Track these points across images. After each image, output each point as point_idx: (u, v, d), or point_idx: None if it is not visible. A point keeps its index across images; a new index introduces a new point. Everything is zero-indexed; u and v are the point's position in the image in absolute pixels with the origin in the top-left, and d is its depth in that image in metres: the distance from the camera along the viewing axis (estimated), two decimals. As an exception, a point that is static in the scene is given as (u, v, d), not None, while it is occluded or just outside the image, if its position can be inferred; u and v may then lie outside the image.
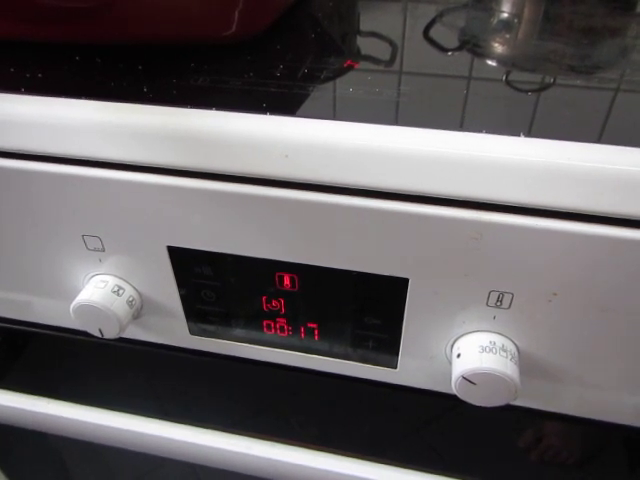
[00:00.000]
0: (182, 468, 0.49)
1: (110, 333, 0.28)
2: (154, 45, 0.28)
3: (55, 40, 0.28)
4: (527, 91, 0.25)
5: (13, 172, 0.25)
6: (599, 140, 0.21)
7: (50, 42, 0.28)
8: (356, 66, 0.28)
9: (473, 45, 0.30)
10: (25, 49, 0.29)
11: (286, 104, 0.24)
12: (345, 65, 0.28)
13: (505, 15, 0.34)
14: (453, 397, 0.25)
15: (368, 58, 0.29)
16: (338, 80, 0.26)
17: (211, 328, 0.30)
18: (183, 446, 0.36)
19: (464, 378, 0.24)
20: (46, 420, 0.37)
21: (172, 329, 0.31)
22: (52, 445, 0.52)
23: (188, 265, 0.27)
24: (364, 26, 0.34)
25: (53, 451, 0.54)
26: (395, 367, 0.28)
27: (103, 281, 0.28)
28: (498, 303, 0.24)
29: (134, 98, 0.24)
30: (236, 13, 0.27)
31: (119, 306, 0.28)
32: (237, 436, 0.35)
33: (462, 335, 0.25)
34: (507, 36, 0.32)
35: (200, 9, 0.27)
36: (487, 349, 0.24)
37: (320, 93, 0.25)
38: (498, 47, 0.30)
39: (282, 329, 0.29)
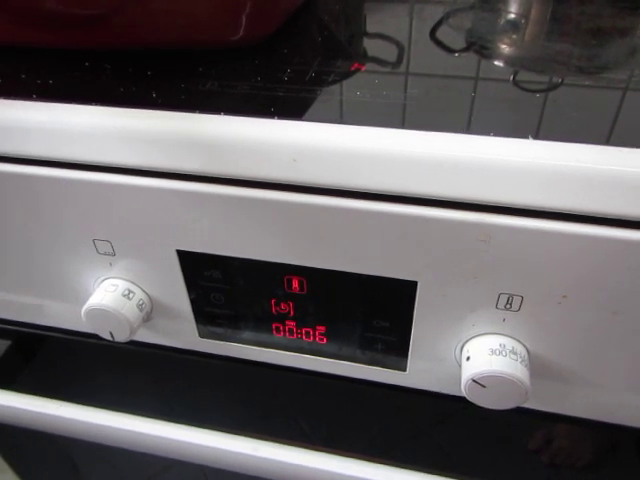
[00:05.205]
0: (191, 470, 0.49)
1: (121, 336, 0.29)
2: (162, 50, 0.28)
3: (65, 46, 0.28)
4: (535, 92, 0.25)
5: (26, 178, 0.25)
6: (608, 142, 0.21)
7: (60, 48, 0.28)
8: (363, 69, 0.28)
9: (480, 46, 0.30)
10: (35, 55, 0.29)
11: (294, 108, 0.24)
12: (352, 68, 0.28)
13: (512, 16, 0.34)
14: (463, 399, 0.25)
15: (375, 60, 0.29)
16: (345, 83, 0.26)
17: (220, 331, 0.30)
18: (192, 448, 0.36)
19: (474, 381, 0.24)
20: (57, 422, 0.38)
21: (182, 332, 0.31)
22: (63, 446, 0.53)
23: (197, 269, 0.27)
24: (370, 28, 0.34)
25: (64, 452, 0.54)
26: (404, 369, 0.28)
27: (113, 285, 0.28)
28: (508, 305, 0.24)
29: (143, 103, 0.24)
30: (243, 17, 0.27)
31: (129, 309, 0.28)
32: (246, 438, 0.35)
33: (471, 338, 0.25)
34: (514, 37, 0.32)
35: (207, 14, 0.27)
36: (497, 352, 0.24)
37: (327, 97, 0.25)
38: (505, 48, 0.30)
39: (291, 332, 0.29)
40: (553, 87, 0.26)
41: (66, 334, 0.34)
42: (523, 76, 0.27)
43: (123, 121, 0.23)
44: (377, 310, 0.26)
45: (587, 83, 0.26)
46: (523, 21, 0.34)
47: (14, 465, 0.58)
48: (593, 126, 0.22)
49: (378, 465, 0.33)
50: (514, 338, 0.25)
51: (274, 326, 0.29)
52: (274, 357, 0.31)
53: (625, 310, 0.23)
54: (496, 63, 0.29)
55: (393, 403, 0.34)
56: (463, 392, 0.25)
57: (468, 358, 0.25)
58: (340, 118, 0.23)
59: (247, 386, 0.37)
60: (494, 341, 0.24)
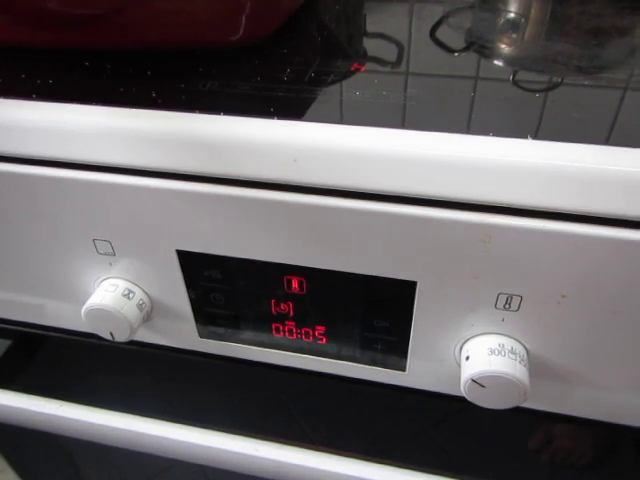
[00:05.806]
0: (191, 469, 0.49)
1: (121, 336, 0.29)
2: (162, 50, 0.28)
3: (65, 46, 0.28)
4: (535, 92, 0.25)
5: (26, 178, 0.25)
6: (607, 141, 0.21)
7: (60, 48, 0.28)
8: (363, 69, 0.28)
9: (480, 46, 0.30)
10: (35, 55, 0.29)
11: (294, 108, 0.24)
12: (352, 68, 0.28)
13: (512, 15, 0.34)
14: (462, 399, 0.25)
15: (375, 60, 0.29)
16: (345, 83, 0.26)
17: (220, 331, 0.30)
18: (192, 448, 0.36)
19: (473, 381, 0.24)
20: (57, 422, 0.38)
21: (181, 332, 0.31)
22: (63, 446, 0.53)
23: (197, 269, 0.27)
24: (370, 27, 0.34)
25: (64, 452, 0.54)
26: (404, 369, 0.28)
27: (113, 285, 0.28)
28: (507, 305, 0.24)
29: (143, 103, 0.24)
30: (243, 17, 0.27)
31: (129, 309, 0.28)
32: (246, 438, 0.35)
33: (471, 337, 0.25)
34: (514, 37, 0.32)
35: (207, 14, 0.27)
36: (496, 351, 0.24)
37: (327, 97, 0.25)
38: (505, 48, 0.30)
39: (291, 332, 0.29)
40: (553, 87, 0.26)
41: (66, 334, 0.34)
42: (523, 76, 0.27)
43: (123, 121, 0.23)
44: (377, 310, 0.26)
45: (587, 83, 0.26)
46: (523, 21, 0.34)
47: (14, 464, 0.58)
48: (593, 126, 0.22)
49: (378, 465, 0.33)
50: (513, 338, 0.25)
51: (274, 326, 0.29)
52: (274, 357, 0.31)
53: (624, 310, 0.23)
54: (496, 63, 0.29)
55: (393, 403, 0.34)
56: (462, 392, 0.25)
57: (467, 358, 0.25)
58: (340, 118, 0.23)
59: (247, 386, 0.37)
60: (493, 341, 0.25)
